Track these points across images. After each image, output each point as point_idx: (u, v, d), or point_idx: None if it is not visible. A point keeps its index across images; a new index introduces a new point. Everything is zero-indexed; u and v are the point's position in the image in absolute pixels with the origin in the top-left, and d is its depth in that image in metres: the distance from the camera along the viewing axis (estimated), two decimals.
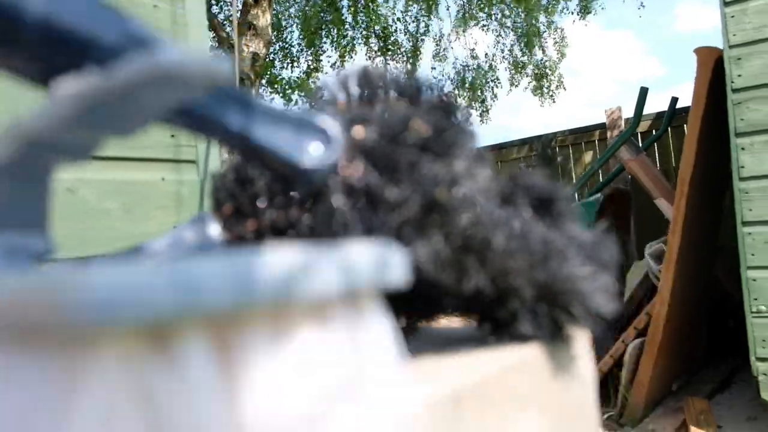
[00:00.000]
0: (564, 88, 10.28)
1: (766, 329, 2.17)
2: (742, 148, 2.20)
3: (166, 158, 1.08)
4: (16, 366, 0.18)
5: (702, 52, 2.42)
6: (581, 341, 0.41)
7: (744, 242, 2.21)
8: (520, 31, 9.57)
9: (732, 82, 2.21)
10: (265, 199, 0.37)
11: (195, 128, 0.32)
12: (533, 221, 0.37)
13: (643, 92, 3.07)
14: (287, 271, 0.20)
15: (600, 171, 3.94)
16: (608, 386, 2.97)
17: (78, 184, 0.95)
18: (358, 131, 0.36)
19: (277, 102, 7.98)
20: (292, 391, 0.20)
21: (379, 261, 0.24)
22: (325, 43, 8.68)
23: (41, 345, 0.17)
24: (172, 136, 1.10)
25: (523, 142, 7.54)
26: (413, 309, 0.39)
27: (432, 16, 9.94)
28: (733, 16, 2.20)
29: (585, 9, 9.33)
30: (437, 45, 10.23)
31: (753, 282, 2.19)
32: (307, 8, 8.53)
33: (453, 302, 0.38)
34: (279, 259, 0.20)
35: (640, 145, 3.37)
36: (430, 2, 9.37)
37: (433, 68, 9.42)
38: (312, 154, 0.34)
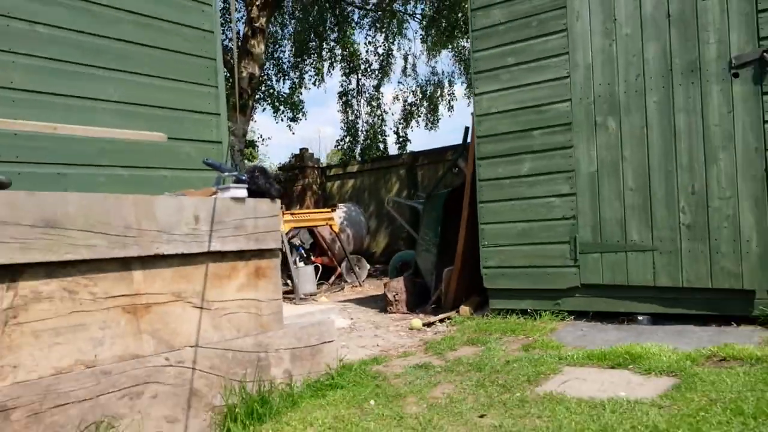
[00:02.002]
0: None
1: (486, 254, 4.57)
2: (480, 166, 4.60)
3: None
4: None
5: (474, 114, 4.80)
6: (274, 202, 2.76)
7: (480, 212, 4.61)
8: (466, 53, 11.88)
9: (477, 133, 4.61)
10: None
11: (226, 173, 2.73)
12: (267, 181, 2.73)
13: (467, 129, 5.46)
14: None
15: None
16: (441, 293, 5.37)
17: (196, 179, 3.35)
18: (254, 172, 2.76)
19: (269, 111, 10.31)
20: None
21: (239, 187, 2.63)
22: (308, 64, 11.08)
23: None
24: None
25: (453, 147, 9.95)
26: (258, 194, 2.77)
27: (400, 38, 12.27)
28: (477, 102, 4.60)
29: None
30: (405, 62, 12.59)
31: (482, 230, 4.59)
32: (296, 33, 10.90)
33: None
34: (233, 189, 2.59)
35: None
36: (395, 27, 11.69)
37: (400, 83, 11.77)
38: (245, 177, 2.73)
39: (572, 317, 4.24)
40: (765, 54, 3.53)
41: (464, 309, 4.82)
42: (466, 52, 12.06)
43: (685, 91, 3.80)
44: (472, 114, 4.86)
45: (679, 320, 3.85)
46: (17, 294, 1.91)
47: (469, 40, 10.46)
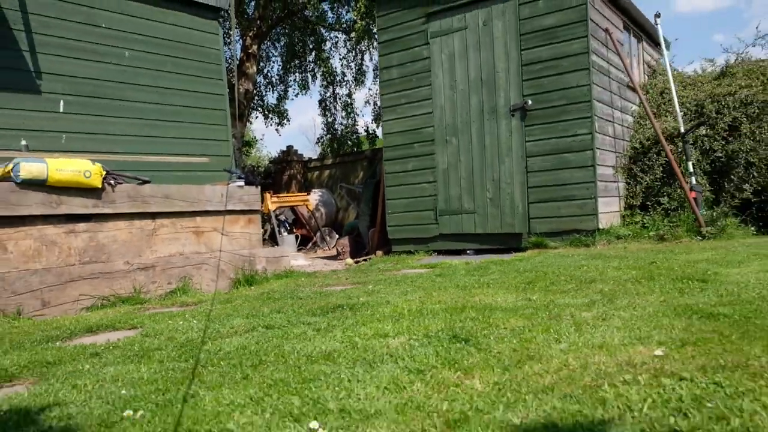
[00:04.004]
0: None
1: (389, 218, 7.73)
2: (386, 164, 7.74)
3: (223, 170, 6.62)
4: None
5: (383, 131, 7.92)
6: (257, 187, 5.84)
7: (387, 192, 7.76)
8: None
9: (384, 144, 7.75)
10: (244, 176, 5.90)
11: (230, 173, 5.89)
12: (253, 177, 5.82)
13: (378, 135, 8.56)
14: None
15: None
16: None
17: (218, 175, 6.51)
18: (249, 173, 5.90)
19: (260, 119, 13.46)
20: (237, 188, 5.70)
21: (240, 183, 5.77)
22: (292, 79, 14.20)
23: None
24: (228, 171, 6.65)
25: None
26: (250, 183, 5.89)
27: (372, 49, 15.30)
28: (384, 125, 7.74)
29: None
30: (376, 71, 15.63)
31: (388, 204, 7.75)
32: (281, 54, 13.99)
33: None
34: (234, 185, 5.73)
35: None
36: (366, 44, 14.74)
37: (370, 89, 14.80)
38: (241, 173, 5.86)
39: (435, 253, 7.39)
40: (525, 104, 6.65)
41: (378, 253, 8.00)
42: None
43: (489, 123, 6.92)
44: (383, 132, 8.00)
45: (489, 252, 7.00)
46: (155, 223, 5.08)
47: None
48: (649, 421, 1.32)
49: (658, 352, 1.85)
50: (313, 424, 1.48)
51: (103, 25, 5.74)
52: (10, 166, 4.28)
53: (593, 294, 3.14)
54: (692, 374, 1.60)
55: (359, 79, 14.86)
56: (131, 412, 1.71)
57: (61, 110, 5.40)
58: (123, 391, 1.97)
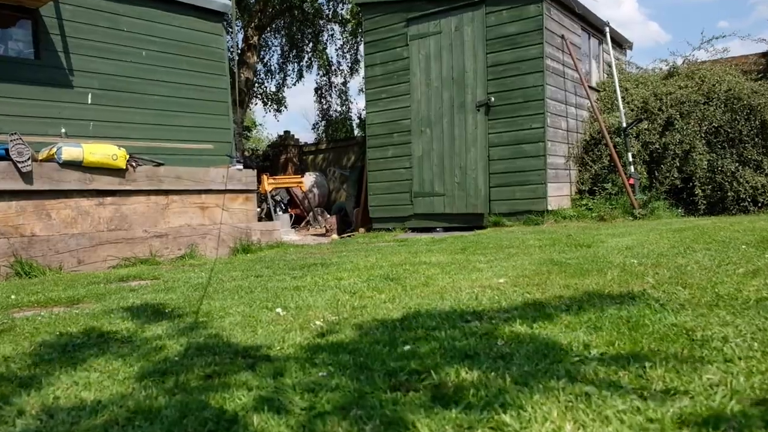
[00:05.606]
0: None
1: (371, 199, 8.82)
2: (368, 151, 8.82)
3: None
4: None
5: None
6: (253, 170, 6.92)
7: (369, 176, 8.84)
8: None
9: (367, 133, 8.81)
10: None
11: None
12: (250, 161, 6.90)
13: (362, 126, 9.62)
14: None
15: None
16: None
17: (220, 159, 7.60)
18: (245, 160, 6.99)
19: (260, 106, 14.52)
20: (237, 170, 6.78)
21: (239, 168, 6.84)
22: (290, 69, 15.22)
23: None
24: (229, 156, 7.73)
25: None
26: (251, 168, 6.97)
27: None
28: (367, 116, 8.80)
29: None
30: None
31: (370, 186, 8.84)
32: (281, 44, 14.98)
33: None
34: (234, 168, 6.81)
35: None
36: (361, 37, 15.72)
37: (364, 78, 15.85)
38: (239, 157, 6.94)
39: (410, 230, 8.49)
40: (489, 101, 7.70)
41: (361, 230, 9.10)
42: None
43: (459, 116, 7.98)
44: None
45: (456, 229, 8.10)
46: (168, 199, 6.18)
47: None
48: (458, 301, 2.42)
49: (502, 280, 2.96)
50: (279, 310, 2.59)
51: (125, 29, 6.79)
52: (54, 149, 5.37)
53: (502, 255, 4.25)
54: (505, 287, 2.71)
55: (354, 68, 15.88)
56: (171, 308, 2.82)
57: (89, 102, 6.47)
58: (162, 303, 3.09)
